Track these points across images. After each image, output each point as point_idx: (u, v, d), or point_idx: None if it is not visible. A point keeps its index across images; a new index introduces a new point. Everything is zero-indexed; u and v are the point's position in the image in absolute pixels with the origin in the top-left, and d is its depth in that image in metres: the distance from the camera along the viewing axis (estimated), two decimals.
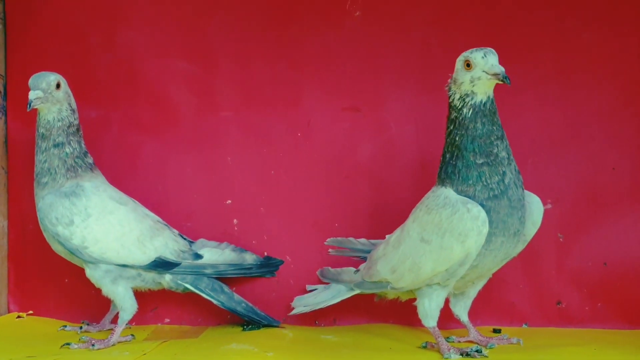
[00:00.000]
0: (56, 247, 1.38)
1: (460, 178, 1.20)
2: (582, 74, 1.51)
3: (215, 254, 1.45)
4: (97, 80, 1.59)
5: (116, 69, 1.59)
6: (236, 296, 1.47)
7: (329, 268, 1.46)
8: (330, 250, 1.47)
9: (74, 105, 1.39)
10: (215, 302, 1.44)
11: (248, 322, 1.47)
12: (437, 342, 1.24)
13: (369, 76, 1.55)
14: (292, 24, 1.56)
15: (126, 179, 1.55)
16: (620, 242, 1.47)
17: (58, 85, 1.34)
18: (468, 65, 1.19)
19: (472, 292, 1.33)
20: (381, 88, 1.55)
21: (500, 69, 1.16)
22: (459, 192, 1.20)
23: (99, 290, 1.39)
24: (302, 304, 1.44)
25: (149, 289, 1.44)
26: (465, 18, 1.53)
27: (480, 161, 1.18)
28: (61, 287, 1.58)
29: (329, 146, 1.55)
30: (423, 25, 1.54)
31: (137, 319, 1.51)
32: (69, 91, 1.38)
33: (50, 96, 1.33)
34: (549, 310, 1.49)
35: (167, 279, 1.41)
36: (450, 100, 1.22)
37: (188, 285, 1.42)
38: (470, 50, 1.20)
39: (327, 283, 1.46)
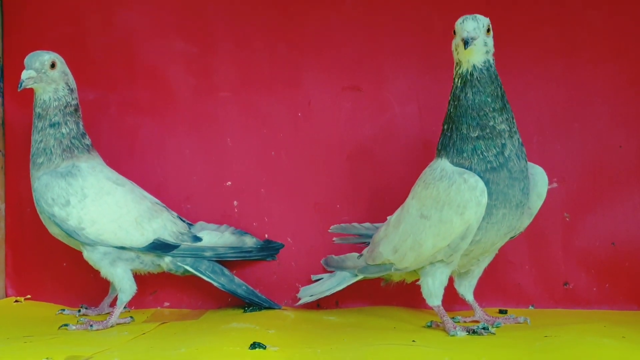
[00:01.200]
0: (53, 230, 1.36)
1: (456, 150, 1.17)
2: (587, 51, 1.48)
3: (215, 237, 1.43)
4: (94, 61, 1.57)
5: (114, 51, 1.57)
6: (237, 279, 1.45)
7: (332, 256, 1.44)
8: (334, 239, 1.45)
9: (73, 85, 1.37)
10: (215, 284, 1.41)
11: (249, 304, 1.45)
12: (442, 321, 1.21)
13: (369, 55, 1.52)
14: (291, 4, 1.54)
15: (124, 161, 1.53)
16: (628, 221, 1.45)
17: (53, 65, 1.32)
18: (454, 33, 1.17)
19: (477, 271, 1.29)
20: (382, 67, 1.52)
21: (467, 34, 1.12)
22: (455, 164, 1.17)
23: (97, 275, 1.38)
24: (308, 294, 1.42)
25: (149, 272, 1.42)
26: None
27: (475, 134, 1.15)
28: (59, 271, 1.55)
29: (330, 126, 1.53)
30: (425, 3, 1.52)
31: (136, 303, 1.49)
32: (67, 70, 1.36)
33: (44, 76, 1.31)
34: (555, 292, 1.46)
35: (166, 261, 1.39)
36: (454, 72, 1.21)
37: (188, 267, 1.40)
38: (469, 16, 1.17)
39: (331, 272, 1.43)
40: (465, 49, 1.12)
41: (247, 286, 1.45)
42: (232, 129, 1.54)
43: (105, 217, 1.32)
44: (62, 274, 1.55)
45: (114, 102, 1.56)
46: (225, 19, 1.55)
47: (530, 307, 1.46)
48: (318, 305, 1.49)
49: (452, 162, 1.18)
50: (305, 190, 1.52)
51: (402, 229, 1.24)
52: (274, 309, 1.44)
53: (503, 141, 1.15)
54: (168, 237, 1.37)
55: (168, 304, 1.53)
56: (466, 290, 1.30)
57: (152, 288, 1.52)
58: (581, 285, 1.45)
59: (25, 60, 1.31)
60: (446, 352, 1.02)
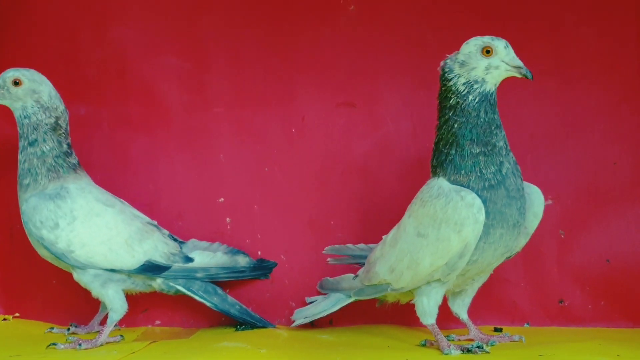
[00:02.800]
0: (42, 252, 1.34)
1: (454, 167, 1.16)
2: (581, 68, 1.48)
3: (207, 257, 1.41)
4: (86, 76, 1.56)
5: (106, 66, 1.55)
6: (230, 298, 1.43)
7: (328, 278, 1.41)
8: (328, 259, 1.43)
9: (48, 103, 1.33)
10: (208, 304, 1.40)
11: (241, 323, 1.42)
12: (437, 339, 1.20)
13: (364, 71, 1.52)
14: (285, 19, 1.53)
15: (116, 178, 1.52)
16: (623, 238, 1.44)
17: (16, 82, 1.30)
18: (487, 52, 1.15)
19: (471, 290, 1.28)
20: (377, 83, 1.52)
21: (521, 62, 1.14)
22: (453, 182, 1.16)
23: (87, 293, 1.36)
24: (302, 316, 1.40)
25: (140, 292, 1.40)
26: (462, 12, 1.51)
27: (477, 150, 1.14)
28: (48, 289, 1.53)
29: (324, 142, 1.52)
30: (419, 19, 1.52)
31: (127, 321, 1.47)
32: (40, 88, 1.32)
33: (7, 93, 1.30)
34: (551, 309, 1.44)
35: (158, 282, 1.37)
36: (449, 83, 1.17)
37: (180, 288, 1.38)
38: (488, 37, 1.16)
39: (325, 294, 1.42)
40: (531, 77, 1.14)
41: (240, 305, 1.43)
42: (225, 144, 1.53)
43: (95, 240, 1.30)
44: (51, 292, 1.53)
45: (106, 117, 1.55)
46: (219, 34, 1.54)
47: (526, 324, 1.45)
48: (312, 324, 1.47)
49: (449, 180, 1.17)
50: (299, 207, 1.51)
51: (398, 248, 1.23)
52: (267, 327, 1.42)
53: (501, 159, 1.15)
54: (159, 259, 1.35)
55: (159, 322, 1.50)
56: (460, 308, 1.29)
57: (144, 306, 1.50)
58: (576, 303, 1.44)
59: None
60: None
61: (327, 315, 1.39)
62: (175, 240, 1.43)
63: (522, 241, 1.24)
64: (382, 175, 1.51)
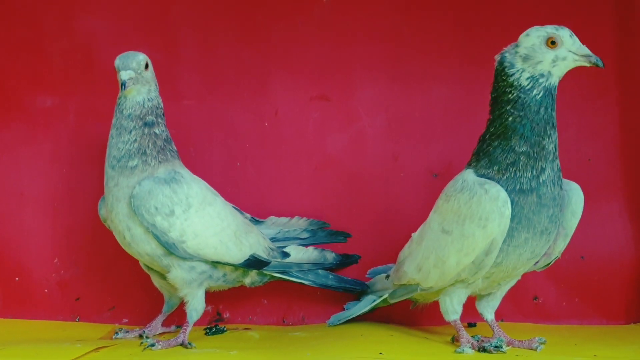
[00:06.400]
0: (140, 248, 1.21)
1: (489, 160, 1.09)
2: None
3: (300, 252, 1.36)
4: (52, 67, 1.51)
5: (73, 56, 1.51)
6: (321, 271, 1.38)
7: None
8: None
9: (158, 86, 1.28)
10: (306, 282, 1.35)
11: (210, 328, 1.38)
12: (459, 335, 1.16)
13: (338, 64, 1.50)
14: (258, 10, 1.50)
15: (83, 171, 1.47)
16: (597, 235, 1.43)
17: (147, 65, 1.23)
18: (553, 43, 1.07)
19: (500, 293, 1.22)
20: (351, 76, 1.50)
21: (589, 51, 1.08)
22: (480, 175, 1.10)
23: (146, 296, 1.36)
24: (337, 319, 1.38)
25: (218, 289, 1.32)
26: (437, 5, 1.49)
27: (522, 149, 1.07)
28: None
29: (297, 136, 1.49)
30: (394, 12, 1.50)
31: (93, 318, 1.43)
32: (153, 72, 1.27)
33: (140, 77, 1.21)
34: (525, 306, 1.44)
35: (252, 274, 1.31)
36: (511, 79, 1.09)
37: (277, 274, 1.32)
38: (550, 26, 1.09)
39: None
40: (602, 65, 1.08)
41: (333, 274, 1.39)
42: (196, 138, 1.49)
43: (208, 230, 1.22)
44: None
45: (72, 109, 1.50)
46: (190, 24, 1.51)
47: (500, 321, 1.43)
48: (284, 321, 1.44)
49: (477, 173, 1.11)
50: (271, 203, 1.47)
51: (424, 245, 1.17)
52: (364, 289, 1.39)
53: (544, 164, 1.08)
54: (262, 253, 1.29)
55: (127, 320, 1.46)
56: (486, 309, 1.23)
57: (111, 303, 1.46)
58: (551, 300, 1.44)
59: (120, 60, 1.22)
60: None
61: (296, 306, 1.41)
62: (256, 221, 1.39)
63: (561, 244, 1.17)
64: (356, 169, 1.49)
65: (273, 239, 1.37)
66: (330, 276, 1.39)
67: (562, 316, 1.43)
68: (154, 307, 1.45)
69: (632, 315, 1.43)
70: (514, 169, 1.07)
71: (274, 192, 1.48)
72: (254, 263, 1.28)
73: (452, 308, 1.17)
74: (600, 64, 1.08)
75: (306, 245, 1.39)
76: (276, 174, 1.48)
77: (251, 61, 1.50)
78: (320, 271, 1.38)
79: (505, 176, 1.07)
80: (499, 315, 1.42)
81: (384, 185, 1.47)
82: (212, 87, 1.50)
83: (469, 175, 1.11)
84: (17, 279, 1.47)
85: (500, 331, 1.21)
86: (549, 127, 1.09)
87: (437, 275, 1.14)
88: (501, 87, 1.10)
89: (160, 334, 1.33)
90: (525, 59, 1.09)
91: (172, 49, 1.51)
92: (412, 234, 1.27)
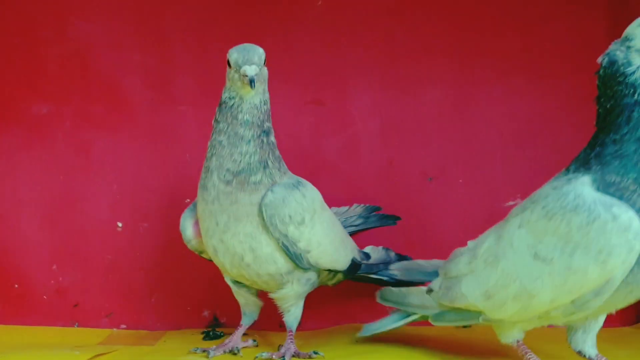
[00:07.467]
0: (261, 269, 1.10)
1: (612, 168, 0.89)
2: (550, 65, 1.47)
3: (374, 252, 1.31)
4: (47, 73, 1.50)
5: (68, 62, 1.50)
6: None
7: (391, 288, 1.20)
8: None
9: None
10: (385, 278, 1.28)
11: (208, 332, 1.38)
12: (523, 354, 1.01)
13: (332, 68, 1.50)
14: (251, 14, 1.50)
15: (79, 177, 1.48)
16: None
17: (265, 61, 1.10)
18: None
19: (594, 325, 1.00)
20: (345, 81, 1.49)
21: None
22: (602, 189, 0.88)
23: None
24: (369, 330, 1.23)
25: None
26: (430, 8, 1.49)
27: None
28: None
29: (292, 141, 1.48)
30: (388, 16, 1.50)
31: (91, 323, 1.45)
32: None
33: (261, 75, 1.06)
34: None
35: (338, 276, 1.23)
36: (630, 79, 0.94)
37: (372, 276, 1.28)
38: None
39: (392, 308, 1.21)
40: None
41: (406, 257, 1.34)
42: (192, 144, 1.49)
43: (327, 238, 1.13)
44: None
45: (68, 115, 1.50)
46: (184, 29, 1.51)
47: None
48: (280, 325, 1.45)
49: (596, 186, 0.89)
50: None
51: (501, 269, 0.95)
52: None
53: None
54: (357, 256, 1.23)
55: (125, 325, 1.47)
56: (584, 344, 1.00)
57: (109, 309, 1.47)
58: None
59: (239, 53, 1.07)
60: None
61: None
62: None
63: None
64: (351, 174, 1.49)
65: None
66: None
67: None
68: (153, 312, 1.47)
69: (629, 318, 1.44)
70: None
71: None
72: (354, 267, 1.21)
73: (513, 336, 1.01)
74: None
75: (359, 232, 1.37)
76: None
77: None
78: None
79: (639, 191, 0.87)
80: None
81: (378, 190, 1.47)
82: (206, 92, 1.49)
83: (584, 188, 0.89)
84: (16, 285, 1.48)
85: None
86: None
87: (516, 309, 0.94)
88: (619, 91, 0.95)
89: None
90: None
91: (166, 54, 1.50)
92: (469, 242, 1.08)
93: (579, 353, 1.00)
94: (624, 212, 0.84)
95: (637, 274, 0.87)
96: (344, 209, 1.42)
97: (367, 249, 1.33)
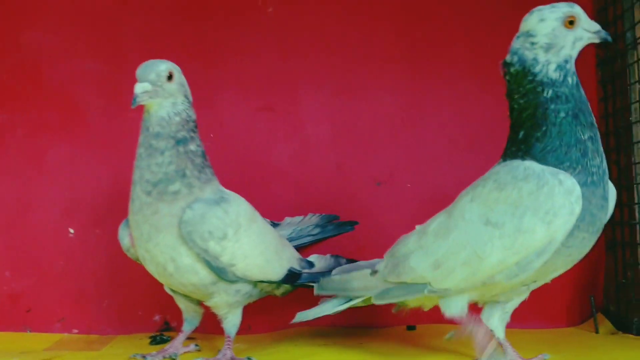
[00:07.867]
0: (184, 279, 1.11)
1: (553, 154, 0.96)
2: (497, 70, 1.47)
3: (321, 261, 1.32)
4: (0, 82, 1.52)
5: (21, 71, 1.52)
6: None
7: (332, 277, 1.19)
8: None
9: (190, 97, 1.17)
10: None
11: (155, 337, 1.39)
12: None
13: (283, 75, 1.52)
14: (203, 21, 1.53)
15: (33, 185, 1.50)
16: None
17: (170, 76, 1.11)
18: (571, 22, 0.96)
19: (510, 306, 1.09)
20: (296, 87, 1.52)
21: (598, 25, 0.99)
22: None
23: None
24: (303, 317, 1.23)
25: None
26: (381, 14, 1.52)
27: (587, 135, 0.97)
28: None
29: (243, 147, 1.51)
30: (338, 22, 1.52)
31: (43, 327, 1.46)
32: (184, 81, 1.16)
33: (160, 89, 1.10)
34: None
35: (284, 286, 1.25)
36: (538, 78, 0.98)
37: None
38: (563, 3, 0.98)
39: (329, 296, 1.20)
40: (610, 39, 0.99)
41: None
42: None
43: (256, 250, 1.15)
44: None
45: (20, 123, 1.52)
46: (137, 36, 1.53)
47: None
48: None
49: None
50: None
51: (452, 239, 1.01)
52: None
53: (601, 147, 0.99)
54: (296, 266, 1.24)
55: (77, 330, 1.48)
56: (498, 323, 1.08)
57: (61, 315, 1.48)
58: None
59: (138, 71, 1.11)
60: None
61: (243, 319, 1.35)
62: (274, 224, 1.36)
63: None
64: (302, 178, 1.51)
65: (289, 239, 1.34)
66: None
67: (515, 319, 1.43)
68: (103, 318, 1.48)
69: (573, 318, 1.45)
70: (587, 159, 0.96)
71: None
72: (290, 277, 1.22)
73: (459, 305, 1.06)
74: (609, 38, 0.99)
75: (317, 241, 1.39)
76: (223, 184, 1.49)
77: (196, 73, 1.47)
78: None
79: (579, 169, 0.96)
80: (439, 318, 1.45)
81: (329, 194, 1.49)
82: None
83: (532, 163, 0.97)
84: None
85: (514, 353, 1.08)
86: (589, 106, 1.00)
87: (465, 275, 1.00)
88: (530, 91, 0.99)
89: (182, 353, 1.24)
90: (548, 48, 0.98)
91: (119, 61, 1.52)
92: (418, 226, 1.13)
93: (492, 331, 1.07)
94: (569, 179, 0.94)
95: (576, 237, 0.96)
96: (298, 218, 1.43)
97: (312, 258, 1.33)
